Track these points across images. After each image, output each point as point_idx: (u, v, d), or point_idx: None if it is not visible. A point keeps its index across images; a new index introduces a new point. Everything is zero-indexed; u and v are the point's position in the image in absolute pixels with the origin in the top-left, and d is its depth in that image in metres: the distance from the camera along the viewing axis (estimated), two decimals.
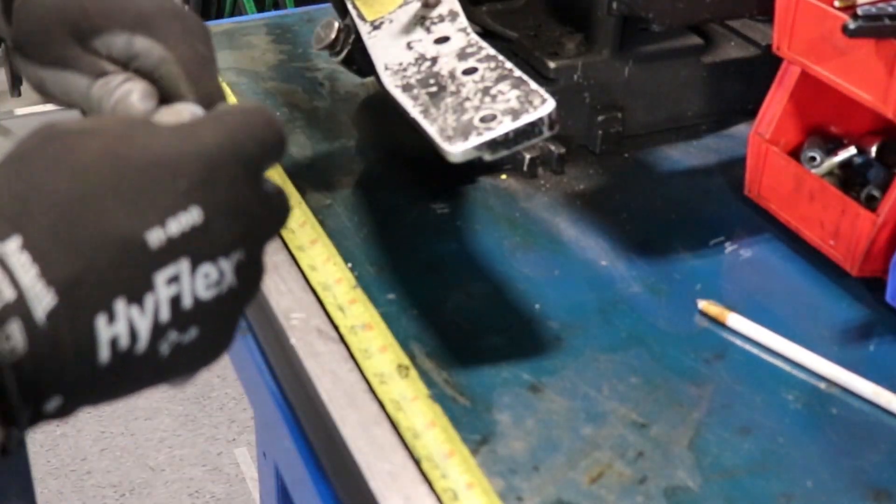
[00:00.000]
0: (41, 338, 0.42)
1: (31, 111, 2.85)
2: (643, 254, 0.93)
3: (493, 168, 1.03)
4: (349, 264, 0.90)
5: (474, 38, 0.87)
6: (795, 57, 0.90)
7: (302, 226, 0.94)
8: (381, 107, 1.13)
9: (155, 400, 2.38)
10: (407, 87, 0.84)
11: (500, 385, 0.80)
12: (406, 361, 0.80)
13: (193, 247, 0.45)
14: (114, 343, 0.44)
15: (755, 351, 0.83)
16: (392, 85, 0.86)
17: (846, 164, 0.93)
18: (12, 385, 0.41)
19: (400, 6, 0.93)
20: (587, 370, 0.81)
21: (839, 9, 0.84)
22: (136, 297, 0.44)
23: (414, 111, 0.80)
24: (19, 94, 2.80)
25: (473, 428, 0.76)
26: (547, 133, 0.75)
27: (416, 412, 0.76)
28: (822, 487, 0.72)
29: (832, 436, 0.76)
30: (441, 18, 0.90)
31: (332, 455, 0.75)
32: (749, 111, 1.06)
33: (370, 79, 1.12)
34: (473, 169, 1.02)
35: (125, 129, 0.48)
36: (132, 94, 0.63)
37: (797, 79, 0.93)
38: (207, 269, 0.46)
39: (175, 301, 0.45)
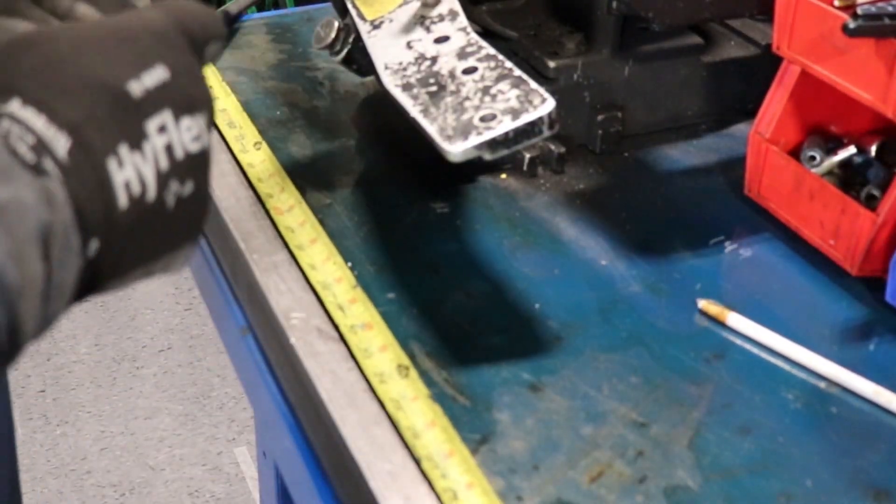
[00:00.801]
0: (70, 171, 0.44)
1: None
2: (643, 253, 0.93)
3: (493, 167, 1.03)
4: (349, 263, 0.90)
5: (474, 37, 0.87)
6: (795, 56, 0.90)
7: (302, 225, 0.94)
8: (381, 106, 1.13)
9: (155, 399, 2.38)
10: (407, 87, 0.84)
11: (500, 384, 0.80)
12: (406, 361, 0.80)
13: (170, 99, 0.49)
14: (128, 187, 0.46)
15: (755, 350, 0.83)
16: (392, 84, 0.86)
17: (846, 164, 0.93)
18: (70, 216, 0.44)
19: (400, 5, 0.93)
20: (587, 370, 0.81)
21: (839, 8, 0.84)
22: (135, 144, 0.47)
23: (414, 110, 0.80)
24: None
25: (473, 427, 0.76)
26: (547, 132, 0.75)
27: (416, 412, 0.76)
28: (821, 487, 0.72)
29: (832, 435, 0.76)
30: (441, 18, 0.90)
31: (331, 455, 0.75)
32: (749, 110, 1.07)
33: (370, 78, 1.12)
34: (473, 168, 1.02)
35: (84, 23, 0.51)
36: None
37: (797, 78, 0.93)
38: (188, 123, 0.49)
39: (169, 150, 0.48)
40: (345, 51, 1.03)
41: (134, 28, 0.50)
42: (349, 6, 0.97)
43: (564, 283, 0.90)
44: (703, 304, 0.86)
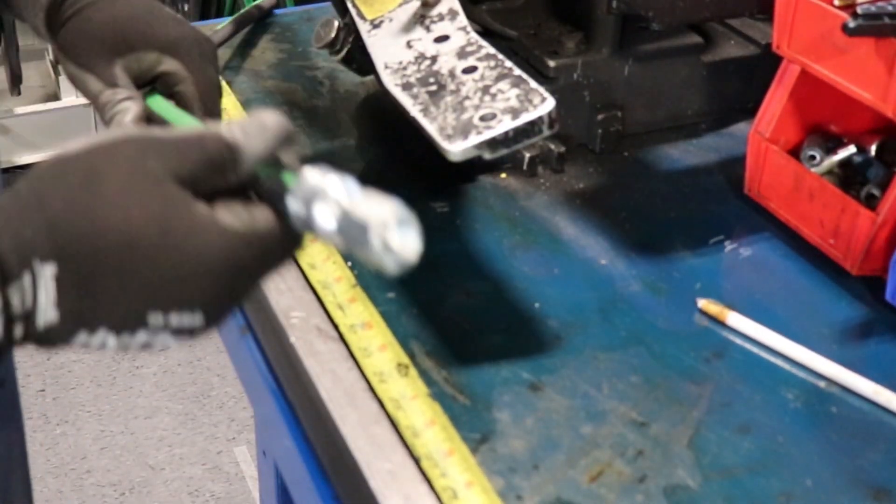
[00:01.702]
0: (34, 337, 0.55)
1: (31, 110, 2.85)
2: (643, 252, 0.93)
3: (493, 167, 1.03)
4: (349, 263, 0.90)
5: (474, 36, 0.87)
6: (795, 56, 0.90)
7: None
8: (381, 105, 1.13)
9: (155, 399, 2.38)
10: (407, 86, 0.84)
11: (500, 384, 0.80)
12: (406, 360, 0.80)
13: (181, 332, 0.56)
14: (84, 344, 0.56)
15: (755, 350, 0.83)
16: (392, 84, 0.86)
17: (846, 163, 0.93)
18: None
19: (400, 5, 0.93)
20: (587, 369, 0.81)
21: (839, 7, 0.84)
22: (118, 333, 0.56)
23: (414, 110, 0.80)
24: (19, 94, 2.80)
25: (473, 426, 0.76)
26: (547, 132, 0.75)
27: (416, 411, 0.76)
28: (821, 486, 0.72)
29: (832, 434, 0.76)
30: (441, 17, 0.90)
31: (331, 454, 0.75)
32: (749, 110, 1.06)
33: (370, 77, 1.12)
34: (473, 167, 1.02)
35: (179, 210, 0.56)
36: (127, 113, 0.79)
37: (797, 77, 0.93)
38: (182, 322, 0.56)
39: (146, 346, 0.57)
40: (345, 50, 1.03)
41: (213, 269, 0.56)
42: (349, 5, 0.97)
43: (564, 283, 0.90)
44: (702, 303, 0.86)
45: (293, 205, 0.58)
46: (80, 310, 0.55)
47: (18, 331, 0.55)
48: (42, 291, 0.54)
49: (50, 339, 0.56)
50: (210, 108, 0.81)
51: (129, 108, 0.79)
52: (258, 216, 0.58)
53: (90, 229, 0.55)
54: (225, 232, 0.57)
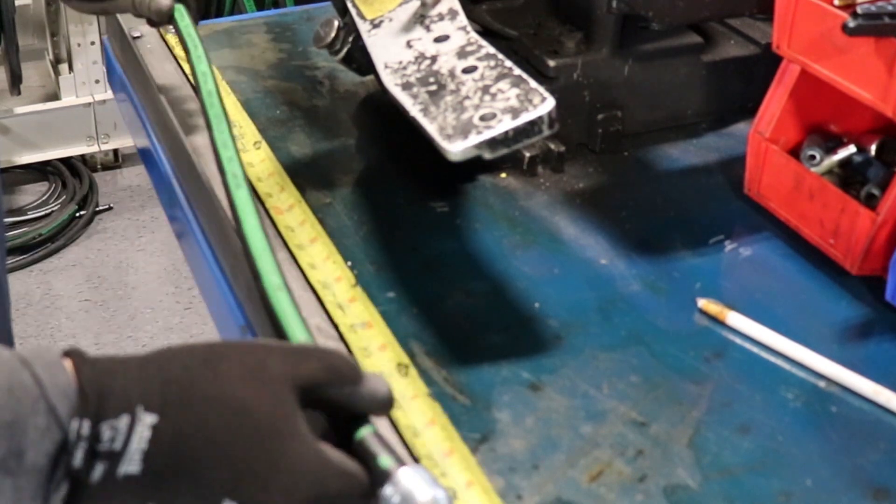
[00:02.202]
0: (109, 485, 0.54)
1: (30, 110, 2.84)
2: (643, 252, 0.93)
3: (493, 166, 1.03)
4: (349, 263, 0.90)
5: (474, 36, 0.87)
6: (795, 55, 0.90)
7: (301, 224, 0.94)
8: (381, 105, 1.13)
9: None
10: (407, 86, 0.84)
11: (500, 383, 0.79)
12: (406, 360, 0.80)
13: None
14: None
15: (755, 349, 0.83)
16: (392, 83, 0.85)
17: (846, 163, 0.93)
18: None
19: (400, 4, 0.93)
20: (587, 369, 0.81)
21: (839, 7, 0.84)
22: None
23: (414, 109, 0.80)
24: (19, 93, 2.79)
25: (473, 426, 0.76)
26: (546, 131, 0.75)
27: (416, 410, 0.76)
28: (821, 486, 0.72)
29: (832, 434, 0.76)
30: (441, 17, 0.90)
31: None
32: (749, 110, 1.06)
33: (370, 77, 1.12)
34: (473, 167, 1.02)
35: (287, 414, 0.58)
36: None
37: (797, 77, 0.93)
38: None
39: None
40: (345, 50, 1.03)
41: (305, 480, 0.57)
42: (349, 5, 0.97)
43: (564, 282, 0.90)
44: (702, 303, 0.86)
45: (387, 490, 0.60)
46: (164, 474, 0.55)
47: (98, 471, 0.54)
48: (136, 437, 0.54)
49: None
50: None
51: None
52: (349, 461, 0.60)
53: (201, 397, 0.56)
54: (320, 456, 0.58)
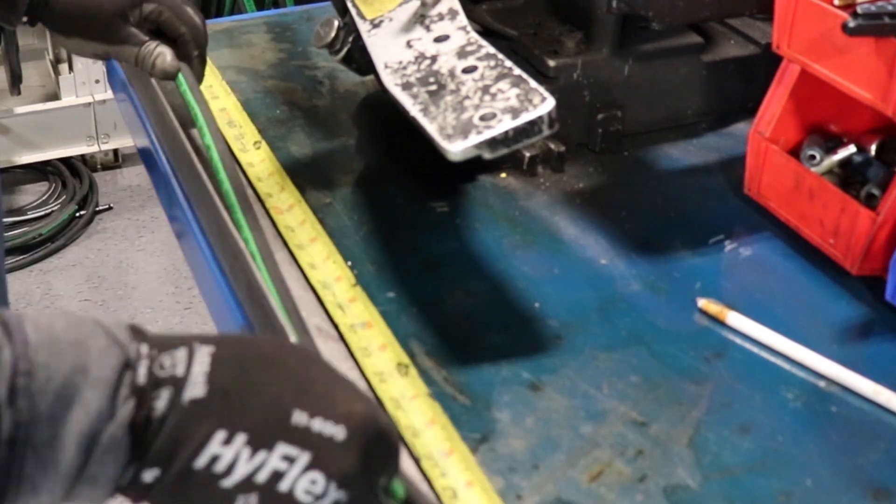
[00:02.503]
0: (178, 412, 0.53)
1: (30, 109, 2.84)
2: (643, 252, 0.93)
3: (493, 166, 1.03)
4: (349, 263, 0.90)
5: (474, 36, 0.87)
6: (795, 55, 0.90)
7: (301, 224, 0.94)
8: (381, 105, 1.13)
9: None
10: (407, 86, 0.84)
11: (500, 383, 0.79)
12: (406, 360, 0.80)
13: (319, 452, 0.54)
14: (212, 459, 0.53)
15: (755, 349, 0.83)
16: (392, 83, 0.85)
17: (846, 163, 0.93)
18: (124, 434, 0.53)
19: (400, 4, 0.93)
20: (587, 369, 0.81)
21: (839, 7, 0.84)
22: (254, 443, 0.53)
23: (414, 109, 0.80)
24: (19, 93, 2.79)
25: (473, 426, 0.76)
26: (546, 131, 0.75)
27: (416, 410, 0.76)
28: (821, 486, 0.72)
29: (832, 434, 0.76)
30: (441, 17, 0.90)
31: None
32: (749, 109, 1.06)
33: (370, 77, 1.12)
34: (473, 167, 1.02)
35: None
36: (167, 55, 0.97)
37: (797, 77, 0.93)
38: (316, 477, 0.53)
39: (276, 476, 0.53)
40: (345, 50, 1.03)
41: (350, 392, 0.57)
42: (349, 5, 0.97)
43: (564, 282, 0.90)
44: (702, 302, 0.86)
45: None
46: (230, 393, 0.54)
47: (163, 398, 0.53)
48: (197, 362, 0.54)
49: (183, 436, 0.53)
50: (202, 46, 0.99)
51: (164, 51, 0.97)
52: None
53: (251, 338, 0.61)
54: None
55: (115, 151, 3.01)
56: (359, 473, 0.55)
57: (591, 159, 1.06)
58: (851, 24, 0.80)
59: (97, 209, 2.84)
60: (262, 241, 0.88)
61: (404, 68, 0.86)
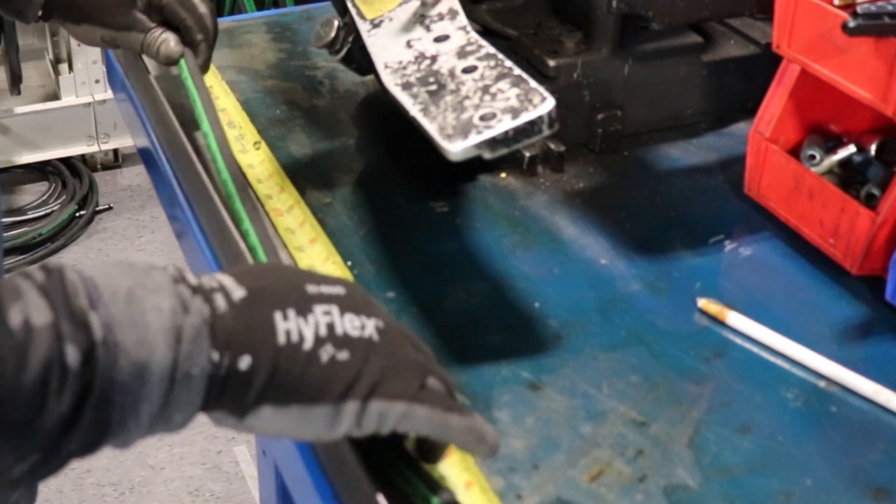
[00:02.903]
0: (237, 307, 0.60)
1: (30, 109, 2.85)
2: (643, 252, 0.93)
3: (493, 166, 1.03)
4: (349, 263, 0.90)
5: (474, 36, 0.87)
6: (795, 55, 0.90)
7: (301, 225, 0.94)
8: (381, 105, 1.13)
9: None
10: (407, 86, 0.84)
11: (500, 383, 0.79)
12: None
13: (340, 301, 0.64)
14: (287, 334, 0.61)
15: (755, 349, 0.83)
16: (392, 83, 0.85)
17: (846, 163, 0.93)
18: (199, 322, 0.59)
19: (399, 4, 0.93)
20: (587, 368, 0.81)
21: (839, 7, 0.84)
22: (301, 313, 0.62)
23: (414, 109, 0.80)
24: (19, 93, 2.79)
25: None
26: (546, 131, 0.75)
27: None
28: (821, 486, 0.72)
29: (832, 434, 0.76)
30: (441, 17, 0.90)
31: (331, 453, 0.74)
32: (749, 109, 1.06)
33: (370, 77, 1.12)
34: (473, 167, 1.02)
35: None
36: (170, 41, 1.00)
37: (797, 77, 0.93)
38: (351, 317, 0.63)
39: (330, 326, 0.62)
40: (345, 50, 1.03)
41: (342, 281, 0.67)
42: (349, 5, 0.97)
43: (564, 282, 0.90)
44: (702, 302, 0.86)
45: None
46: (260, 287, 0.62)
47: (221, 301, 0.60)
48: (224, 278, 0.62)
49: (253, 323, 0.60)
50: (207, 31, 1.01)
51: (168, 37, 1.00)
52: None
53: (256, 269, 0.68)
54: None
55: (115, 151, 3.01)
56: (367, 306, 0.65)
57: (591, 159, 1.06)
58: (851, 24, 0.80)
59: (97, 209, 2.84)
60: (263, 233, 0.88)
61: (404, 68, 0.86)
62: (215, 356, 0.59)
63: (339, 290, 0.65)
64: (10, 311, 0.54)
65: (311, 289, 0.63)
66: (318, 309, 0.62)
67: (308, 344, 0.61)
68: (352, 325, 0.63)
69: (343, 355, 0.62)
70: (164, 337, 0.57)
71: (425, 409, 0.63)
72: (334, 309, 0.63)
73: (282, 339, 0.60)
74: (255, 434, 0.64)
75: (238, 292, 0.61)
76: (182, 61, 1.00)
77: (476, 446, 0.66)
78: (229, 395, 0.60)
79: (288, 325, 0.61)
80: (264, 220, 0.92)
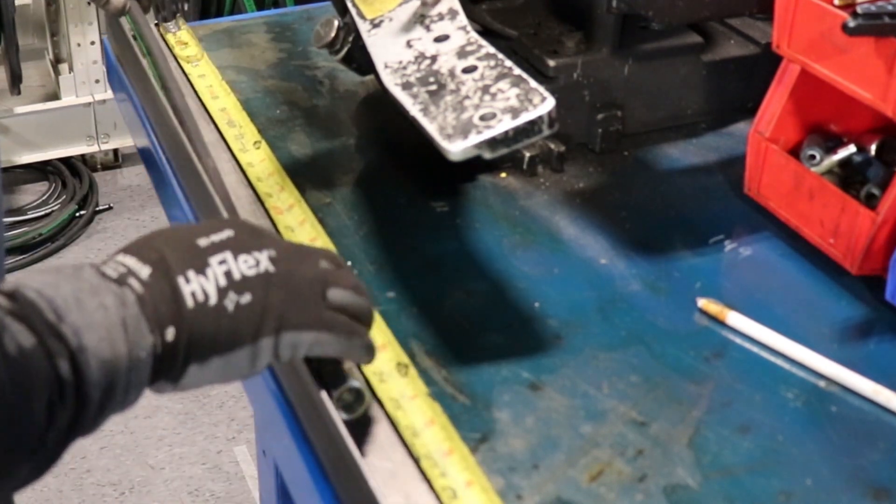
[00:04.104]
0: (149, 286, 0.65)
1: (30, 109, 2.85)
2: (643, 252, 0.93)
3: (493, 166, 1.03)
4: (349, 262, 0.90)
5: (474, 36, 0.87)
6: (795, 55, 0.90)
7: (301, 224, 0.94)
8: (381, 105, 1.13)
9: (155, 398, 2.38)
10: (407, 86, 0.84)
11: (500, 383, 0.80)
12: (405, 359, 0.80)
13: (231, 245, 0.68)
14: (193, 295, 0.65)
15: (755, 349, 0.83)
16: (392, 83, 0.85)
17: (846, 163, 0.93)
18: (137, 311, 0.64)
19: (400, 4, 0.93)
20: (587, 368, 0.81)
21: (839, 7, 0.84)
22: (200, 270, 0.66)
23: (414, 109, 0.80)
24: (19, 93, 2.79)
25: (473, 426, 0.76)
26: (546, 131, 0.75)
27: (416, 410, 0.76)
28: (821, 485, 0.72)
29: (832, 434, 0.76)
30: (441, 17, 0.90)
31: (331, 453, 0.75)
32: (749, 109, 1.06)
33: (370, 77, 1.12)
34: (473, 167, 1.02)
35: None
36: None
37: (797, 77, 0.93)
38: (245, 257, 0.68)
39: (228, 274, 0.67)
40: (345, 49, 1.03)
41: (223, 224, 0.71)
42: (349, 5, 0.97)
43: (564, 282, 0.90)
44: (702, 302, 0.86)
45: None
46: (159, 258, 0.66)
47: (136, 284, 0.64)
48: (127, 259, 0.66)
49: (166, 292, 0.65)
50: None
51: None
52: None
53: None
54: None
55: (115, 151, 3.01)
56: (256, 240, 0.70)
57: (591, 159, 1.06)
58: (851, 24, 0.80)
59: (97, 209, 2.84)
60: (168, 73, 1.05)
61: (404, 68, 0.86)
62: (152, 337, 0.64)
63: (227, 233, 0.69)
64: (3, 340, 0.58)
65: (203, 242, 0.68)
66: (214, 260, 0.67)
67: (213, 299, 0.66)
68: (246, 265, 0.68)
69: (246, 298, 0.67)
70: (117, 332, 0.62)
71: (331, 336, 0.70)
72: (228, 255, 0.68)
73: (189, 302, 0.65)
74: (187, 390, 0.69)
75: (144, 270, 0.65)
76: (129, 16, 1.11)
77: (367, 360, 0.74)
78: (166, 367, 0.65)
79: (192, 287, 0.65)
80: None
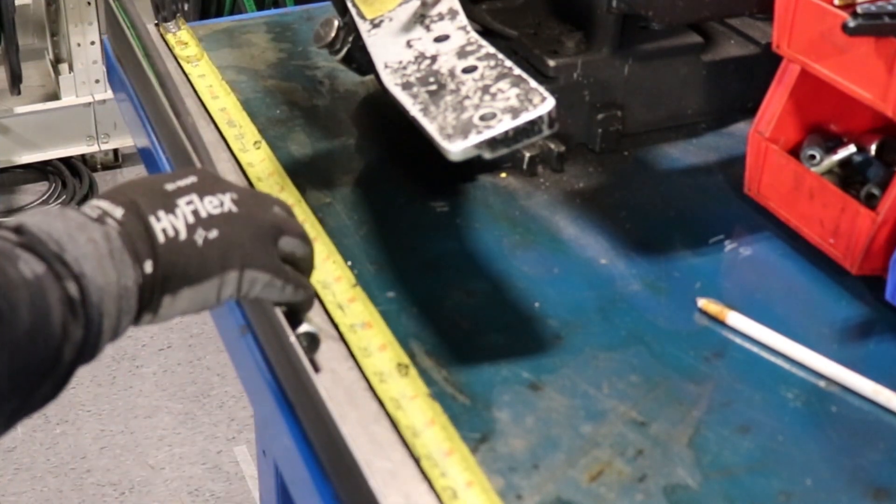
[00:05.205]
0: (124, 224, 0.70)
1: (30, 109, 2.85)
2: (643, 252, 0.93)
3: (493, 166, 1.03)
4: (349, 262, 0.90)
5: (474, 36, 0.87)
6: (795, 55, 0.90)
7: (301, 223, 0.94)
8: (381, 105, 1.13)
9: (155, 398, 2.38)
10: (407, 86, 0.84)
11: (500, 383, 0.80)
12: (406, 360, 0.80)
13: (196, 188, 0.74)
14: (164, 232, 0.71)
15: (755, 349, 0.83)
16: (392, 83, 0.86)
17: (846, 163, 0.93)
18: (120, 245, 0.70)
19: (400, 4, 0.93)
20: (587, 368, 0.81)
21: (839, 7, 0.84)
22: (169, 210, 0.72)
23: (414, 109, 0.80)
24: (19, 93, 2.79)
25: (473, 426, 0.76)
26: (546, 131, 0.75)
27: (416, 410, 0.76)
28: (821, 485, 0.72)
29: (832, 434, 0.76)
30: (441, 17, 0.90)
31: (331, 453, 0.75)
32: (749, 109, 1.06)
33: (370, 77, 1.12)
34: (473, 167, 1.02)
35: None
36: None
37: (797, 77, 0.93)
38: (210, 199, 0.74)
39: (195, 213, 0.73)
40: (345, 49, 1.03)
41: (189, 174, 0.77)
42: (349, 5, 0.97)
43: (564, 282, 0.90)
44: (702, 302, 0.86)
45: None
46: (131, 200, 0.72)
47: (112, 223, 0.70)
48: (102, 203, 0.72)
49: (140, 229, 0.70)
50: None
51: None
52: None
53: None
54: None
55: (115, 151, 3.01)
56: (219, 185, 0.76)
57: (591, 159, 1.06)
58: (851, 24, 0.80)
59: None
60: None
61: (404, 68, 0.86)
62: (136, 267, 0.70)
63: (191, 179, 0.75)
64: (19, 266, 0.65)
65: (170, 186, 0.74)
66: (181, 201, 0.73)
67: (183, 234, 0.72)
68: (212, 205, 0.74)
69: (213, 233, 0.73)
70: (107, 262, 0.68)
71: (281, 282, 0.76)
72: (194, 196, 0.74)
73: (161, 237, 0.71)
74: (160, 322, 0.74)
75: (118, 211, 0.71)
76: None
77: (307, 309, 0.80)
78: (147, 297, 0.71)
79: (163, 224, 0.71)
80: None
